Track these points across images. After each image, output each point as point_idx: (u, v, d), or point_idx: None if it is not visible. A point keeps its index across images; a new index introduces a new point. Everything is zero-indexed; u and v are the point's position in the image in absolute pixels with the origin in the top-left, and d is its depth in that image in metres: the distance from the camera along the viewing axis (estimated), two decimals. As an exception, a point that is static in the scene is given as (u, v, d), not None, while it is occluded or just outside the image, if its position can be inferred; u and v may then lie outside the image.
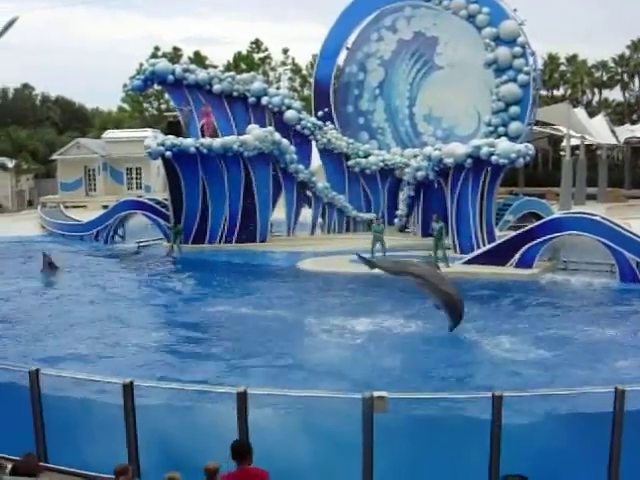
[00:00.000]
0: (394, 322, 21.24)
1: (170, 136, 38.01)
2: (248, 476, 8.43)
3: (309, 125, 40.77)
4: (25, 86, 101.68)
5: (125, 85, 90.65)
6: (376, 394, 10.43)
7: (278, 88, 52.40)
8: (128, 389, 11.42)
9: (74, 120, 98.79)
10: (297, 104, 41.88)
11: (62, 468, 11.53)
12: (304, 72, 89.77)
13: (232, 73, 43.55)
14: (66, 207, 57.07)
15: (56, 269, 31.47)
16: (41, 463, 10.87)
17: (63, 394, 13.07)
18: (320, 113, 41.77)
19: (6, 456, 9.99)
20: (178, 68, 41.36)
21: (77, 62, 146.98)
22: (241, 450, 8.56)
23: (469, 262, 30.41)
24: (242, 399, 10.84)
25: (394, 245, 35.07)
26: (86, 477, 11.02)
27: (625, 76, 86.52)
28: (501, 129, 37.56)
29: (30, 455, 9.84)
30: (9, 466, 9.26)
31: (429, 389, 14.43)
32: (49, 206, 59.77)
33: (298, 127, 40.63)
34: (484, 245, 31.91)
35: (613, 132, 65.44)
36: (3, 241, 41.93)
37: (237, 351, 18.83)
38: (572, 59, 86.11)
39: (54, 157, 68.55)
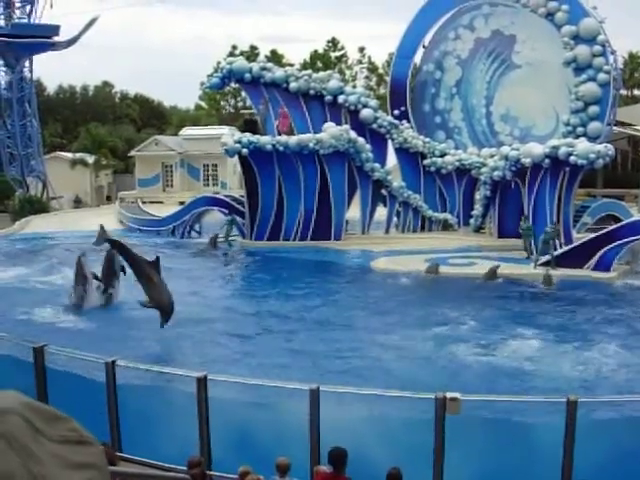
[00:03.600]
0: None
1: (247, 133, 38.19)
2: None
3: (385, 124, 40.54)
4: (105, 84, 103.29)
5: (202, 83, 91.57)
6: (449, 395, 10.35)
7: (354, 87, 52.05)
8: (202, 383, 11.57)
9: (152, 117, 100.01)
10: (373, 103, 41.64)
11: (137, 458, 11.72)
12: (380, 71, 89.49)
13: (309, 71, 43.45)
14: (143, 202, 57.79)
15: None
16: (116, 453, 11.07)
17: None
18: (396, 112, 41.52)
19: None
20: (255, 66, 41.50)
21: (155, 60, 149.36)
22: (340, 457, 8.67)
23: (545, 264, 30.00)
24: (314, 396, 10.88)
25: (470, 245, 34.93)
26: (160, 468, 11.18)
27: None
28: (580, 129, 36.85)
29: (106, 444, 10.01)
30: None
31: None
32: (127, 201, 60.61)
33: (374, 126, 40.40)
34: (561, 247, 31.43)
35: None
36: (87, 235, 42.52)
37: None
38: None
39: (132, 153, 69.47)
